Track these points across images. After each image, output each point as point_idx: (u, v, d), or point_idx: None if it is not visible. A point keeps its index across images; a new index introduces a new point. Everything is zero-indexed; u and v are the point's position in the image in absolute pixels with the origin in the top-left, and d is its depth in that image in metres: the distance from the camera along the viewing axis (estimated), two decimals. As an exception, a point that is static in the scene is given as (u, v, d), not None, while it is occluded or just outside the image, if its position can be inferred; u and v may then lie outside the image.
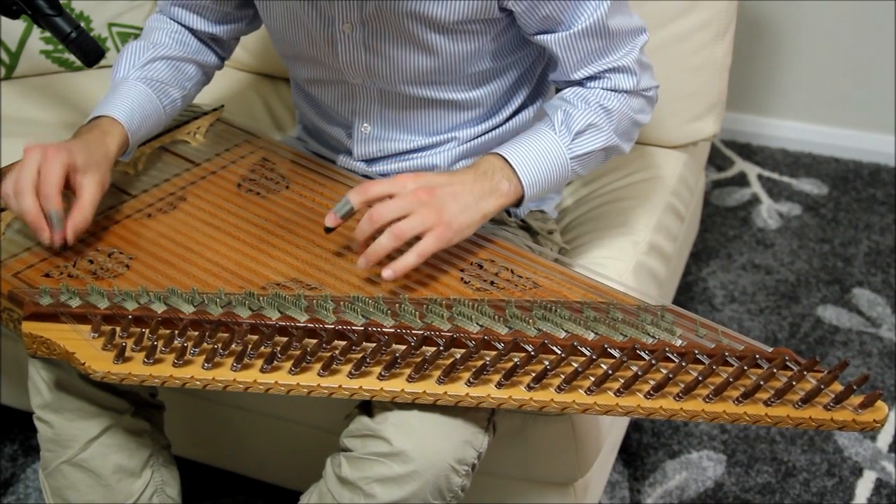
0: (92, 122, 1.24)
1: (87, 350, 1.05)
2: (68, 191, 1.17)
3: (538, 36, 1.21)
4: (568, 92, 1.24)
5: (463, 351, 1.04)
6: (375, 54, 1.23)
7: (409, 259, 1.11)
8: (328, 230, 1.16)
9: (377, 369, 1.03)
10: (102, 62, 1.33)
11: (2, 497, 1.67)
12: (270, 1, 1.27)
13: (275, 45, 1.37)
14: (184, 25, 1.37)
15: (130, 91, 1.27)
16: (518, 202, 1.19)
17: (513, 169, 1.17)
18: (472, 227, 1.15)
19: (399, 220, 1.10)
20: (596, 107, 1.22)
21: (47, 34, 1.65)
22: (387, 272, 1.10)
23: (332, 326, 1.06)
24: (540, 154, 1.19)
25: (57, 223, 1.14)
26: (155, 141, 1.39)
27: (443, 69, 1.24)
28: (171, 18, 1.37)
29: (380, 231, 1.11)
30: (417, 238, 1.11)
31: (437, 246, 1.11)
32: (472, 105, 1.30)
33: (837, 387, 1.01)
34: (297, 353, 1.04)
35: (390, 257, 1.11)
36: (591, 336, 1.07)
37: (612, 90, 1.23)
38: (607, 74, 1.23)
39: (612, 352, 1.04)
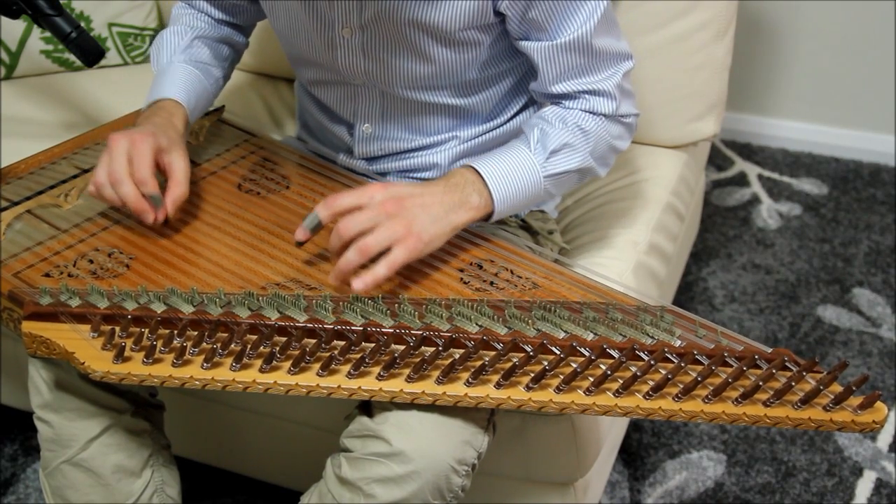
0: (153, 106, 1.26)
1: (87, 350, 1.05)
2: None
3: (522, 42, 1.21)
4: (547, 111, 1.24)
5: (462, 351, 1.04)
6: (373, 60, 1.23)
7: (380, 271, 1.08)
8: (299, 244, 1.15)
9: (376, 369, 1.03)
10: (102, 62, 1.34)
11: (2, 497, 1.67)
12: (273, 2, 1.27)
13: (282, 46, 1.38)
14: (205, 13, 1.40)
15: (181, 74, 1.30)
16: (487, 217, 1.18)
17: (485, 183, 1.16)
18: (441, 239, 1.13)
19: (367, 232, 1.09)
20: (573, 127, 1.21)
21: (47, 34, 1.65)
22: (357, 283, 1.08)
23: (332, 326, 1.06)
24: (513, 170, 1.17)
25: (158, 203, 1.17)
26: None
27: (439, 75, 1.24)
28: (191, 7, 1.41)
29: (349, 244, 1.10)
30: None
31: (407, 257, 1.09)
32: (471, 109, 1.30)
33: (837, 388, 1.01)
34: (297, 353, 1.04)
35: (365, 266, 1.09)
36: (590, 336, 1.07)
37: (590, 112, 1.22)
38: (586, 96, 1.22)
39: (611, 352, 1.04)
